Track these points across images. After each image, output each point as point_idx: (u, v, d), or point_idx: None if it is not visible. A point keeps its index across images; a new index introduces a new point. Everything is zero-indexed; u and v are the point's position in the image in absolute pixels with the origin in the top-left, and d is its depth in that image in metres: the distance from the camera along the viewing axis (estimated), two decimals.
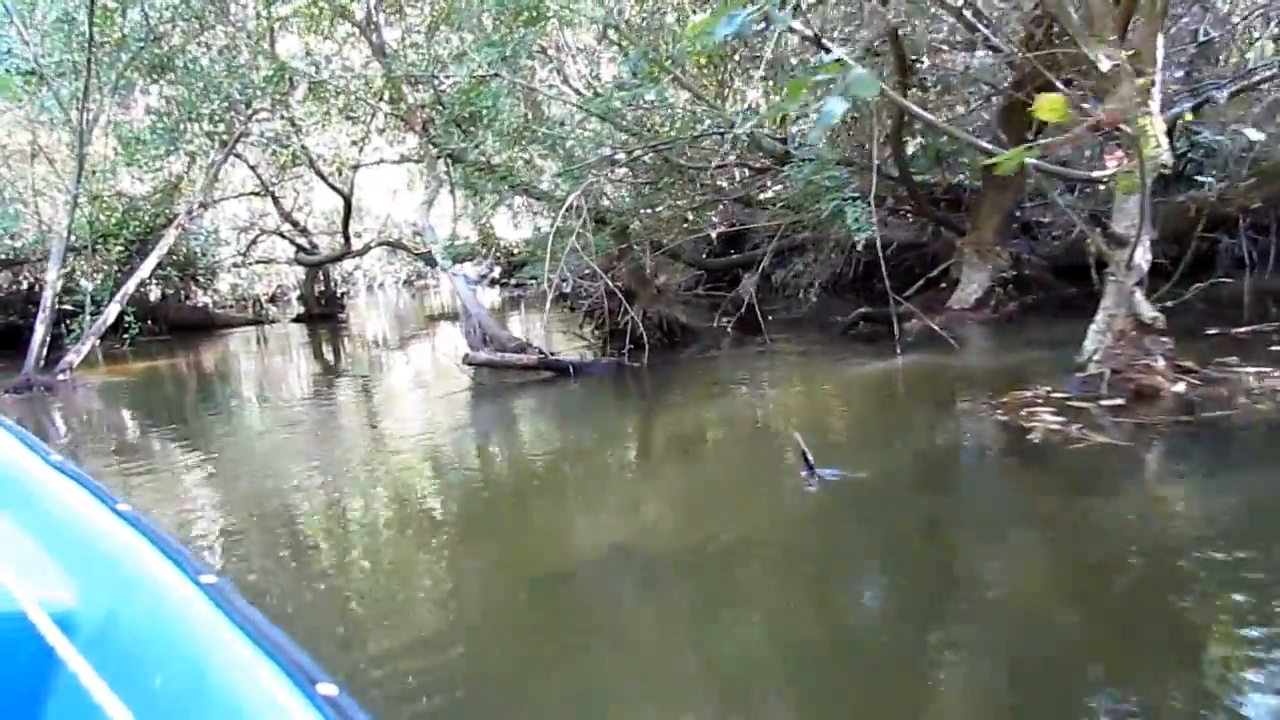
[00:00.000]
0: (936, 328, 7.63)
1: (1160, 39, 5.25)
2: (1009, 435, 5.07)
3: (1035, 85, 5.67)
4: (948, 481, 4.85)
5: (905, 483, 4.70)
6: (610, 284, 8.30)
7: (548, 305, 8.20)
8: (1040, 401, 5.36)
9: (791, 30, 6.55)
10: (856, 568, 3.87)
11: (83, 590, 1.70)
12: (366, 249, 24.62)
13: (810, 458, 4.46)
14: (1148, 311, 5.31)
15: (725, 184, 10.46)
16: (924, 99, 8.27)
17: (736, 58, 10.42)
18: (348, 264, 27.67)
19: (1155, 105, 5.03)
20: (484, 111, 9.36)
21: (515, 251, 32.26)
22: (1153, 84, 4.99)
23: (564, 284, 9.02)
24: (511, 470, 6.14)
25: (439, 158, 11.67)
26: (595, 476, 5.70)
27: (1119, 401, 5.17)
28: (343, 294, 22.35)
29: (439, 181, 11.34)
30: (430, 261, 33.50)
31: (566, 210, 7.96)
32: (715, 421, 6.71)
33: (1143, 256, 5.38)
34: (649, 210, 9.35)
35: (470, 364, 8.30)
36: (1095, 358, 5.44)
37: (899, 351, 7.61)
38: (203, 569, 1.58)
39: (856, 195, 7.12)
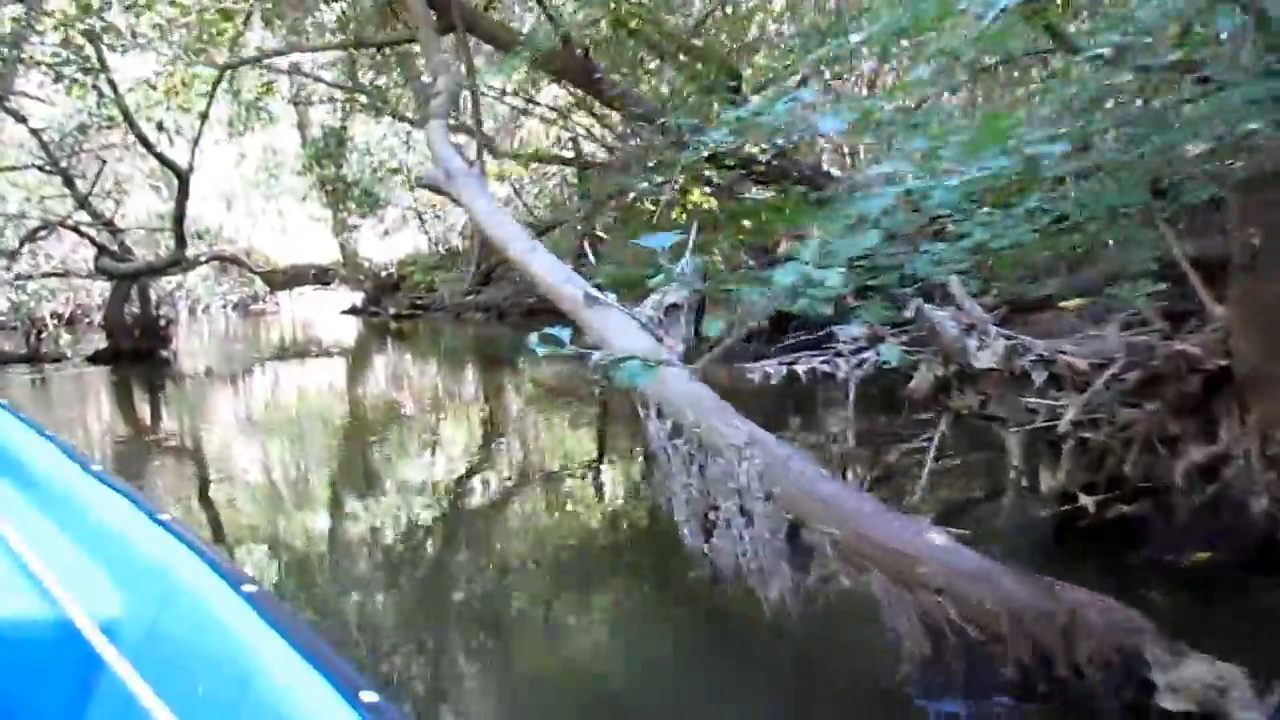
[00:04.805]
0: None
1: None
2: None
3: None
4: None
5: None
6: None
7: None
8: None
9: None
10: None
11: (127, 598, 1.70)
12: (197, 262, 17.92)
13: None
14: None
15: None
16: None
17: None
18: (168, 279, 20.67)
19: None
20: None
21: (385, 273, 26.37)
22: None
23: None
24: None
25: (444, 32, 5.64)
26: None
27: None
28: (166, 321, 15.35)
29: (455, 85, 5.30)
30: (294, 280, 26.69)
31: None
32: None
33: None
34: None
35: None
36: None
37: None
38: (244, 578, 1.57)
39: None
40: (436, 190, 4.48)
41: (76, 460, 2.23)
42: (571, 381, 11.12)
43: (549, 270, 3.72)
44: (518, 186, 21.18)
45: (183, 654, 1.49)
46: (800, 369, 3.13)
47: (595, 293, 3.22)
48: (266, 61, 16.25)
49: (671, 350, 2.94)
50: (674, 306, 3.27)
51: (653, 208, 7.49)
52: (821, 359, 3.13)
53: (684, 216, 7.26)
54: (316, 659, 1.29)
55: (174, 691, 1.34)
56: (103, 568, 1.79)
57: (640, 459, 5.55)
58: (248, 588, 1.52)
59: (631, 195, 11.14)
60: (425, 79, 16.94)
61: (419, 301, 23.55)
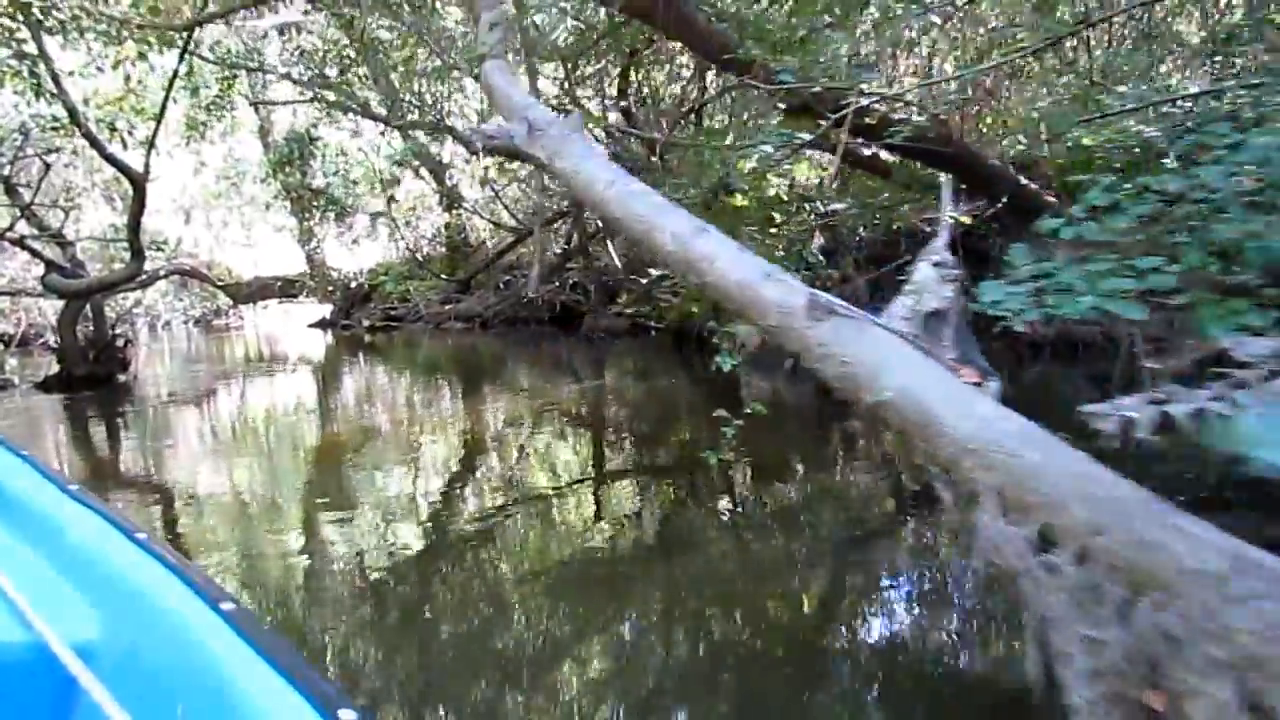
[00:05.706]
0: None
1: None
2: None
3: None
4: None
5: None
6: None
7: None
8: None
9: None
10: None
11: (104, 619, 1.65)
12: (155, 276, 16.46)
13: None
14: None
15: None
16: None
17: None
18: (125, 295, 19.11)
19: None
20: None
21: (354, 283, 24.83)
22: None
23: None
24: None
25: None
26: None
27: None
28: (125, 341, 13.91)
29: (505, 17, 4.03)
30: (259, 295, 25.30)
31: None
32: None
33: None
34: None
35: None
36: None
37: None
38: (222, 596, 1.52)
39: None
40: (510, 154, 3.16)
41: (51, 479, 2.17)
42: (560, 395, 9.97)
43: (733, 264, 2.31)
44: (497, 189, 19.89)
45: (160, 675, 1.43)
46: (1180, 409, 1.87)
47: (824, 297, 1.99)
48: (229, 57, 14.93)
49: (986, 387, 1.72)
50: (935, 315, 2.03)
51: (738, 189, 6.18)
52: (1211, 396, 1.90)
53: (755, 206, 6.03)
54: (295, 677, 1.26)
55: (151, 713, 1.30)
56: (78, 588, 1.74)
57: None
58: (226, 606, 1.47)
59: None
60: (394, 82, 15.78)
61: (393, 312, 22.24)
